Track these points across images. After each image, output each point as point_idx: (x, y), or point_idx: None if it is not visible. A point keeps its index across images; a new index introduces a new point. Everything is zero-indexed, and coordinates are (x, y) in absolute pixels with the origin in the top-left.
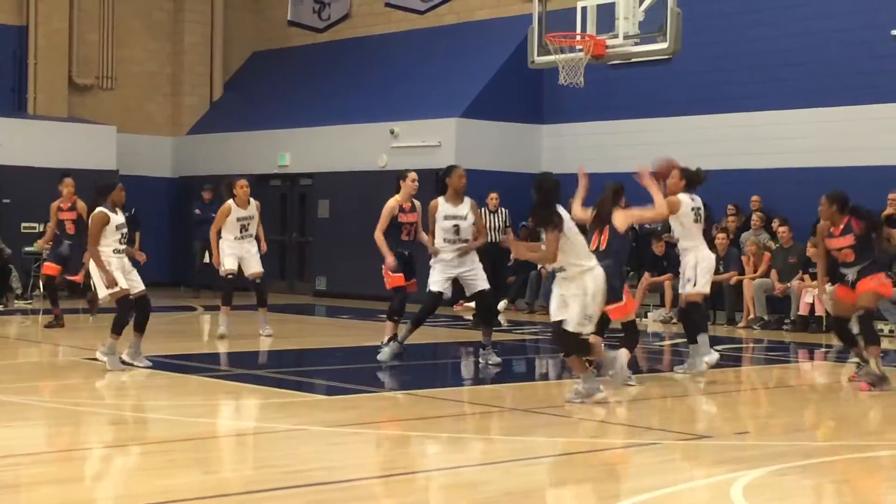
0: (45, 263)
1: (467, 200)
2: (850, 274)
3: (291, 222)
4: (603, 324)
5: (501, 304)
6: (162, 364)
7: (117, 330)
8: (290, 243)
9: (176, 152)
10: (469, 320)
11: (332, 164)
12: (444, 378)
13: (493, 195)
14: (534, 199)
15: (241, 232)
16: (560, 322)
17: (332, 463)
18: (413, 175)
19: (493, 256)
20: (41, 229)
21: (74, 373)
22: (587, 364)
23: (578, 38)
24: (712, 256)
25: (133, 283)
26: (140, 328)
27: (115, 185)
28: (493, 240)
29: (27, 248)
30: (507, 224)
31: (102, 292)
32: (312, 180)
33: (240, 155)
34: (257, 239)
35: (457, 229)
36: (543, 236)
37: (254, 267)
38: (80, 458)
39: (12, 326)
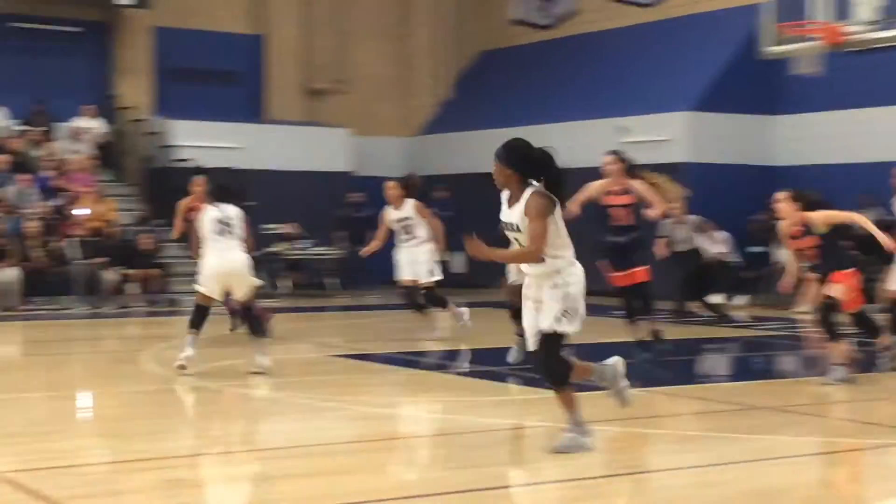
0: None
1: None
2: None
3: None
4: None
5: (720, 298)
6: (400, 361)
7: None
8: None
9: (407, 153)
10: (699, 316)
11: (560, 160)
12: (683, 374)
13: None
14: (498, 166)
15: (403, 234)
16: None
17: (567, 460)
18: (608, 158)
19: (690, 262)
20: (281, 230)
21: (320, 369)
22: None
23: (813, 26)
24: None
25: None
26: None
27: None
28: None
29: (267, 249)
30: (705, 222)
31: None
32: None
33: (470, 154)
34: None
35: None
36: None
37: (421, 276)
38: (327, 452)
39: None
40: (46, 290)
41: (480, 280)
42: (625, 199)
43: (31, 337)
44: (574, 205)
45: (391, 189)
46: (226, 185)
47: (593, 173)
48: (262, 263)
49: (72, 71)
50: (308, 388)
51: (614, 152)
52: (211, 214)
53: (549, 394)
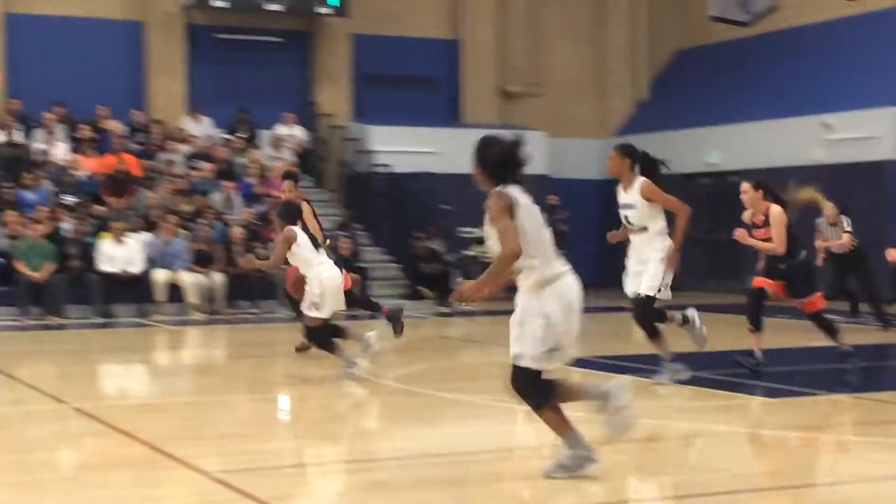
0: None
1: (637, 183)
2: None
3: (722, 220)
4: None
5: None
6: (600, 365)
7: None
8: (721, 242)
9: (603, 154)
10: None
11: (762, 159)
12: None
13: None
14: (473, 165)
15: None
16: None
17: (776, 467)
18: (744, 186)
19: (856, 262)
20: (478, 234)
21: None
22: (566, 420)
23: None
24: None
25: None
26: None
27: None
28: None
29: (464, 252)
30: (848, 229)
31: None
32: (741, 177)
33: (667, 154)
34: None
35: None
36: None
37: None
38: (523, 456)
39: (454, 328)
40: (250, 295)
41: (685, 283)
42: (768, 233)
43: (235, 340)
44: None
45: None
46: (296, 206)
47: (796, 173)
48: (459, 267)
49: (273, 79)
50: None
51: (751, 181)
52: (303, 235)
53: (746, 399)
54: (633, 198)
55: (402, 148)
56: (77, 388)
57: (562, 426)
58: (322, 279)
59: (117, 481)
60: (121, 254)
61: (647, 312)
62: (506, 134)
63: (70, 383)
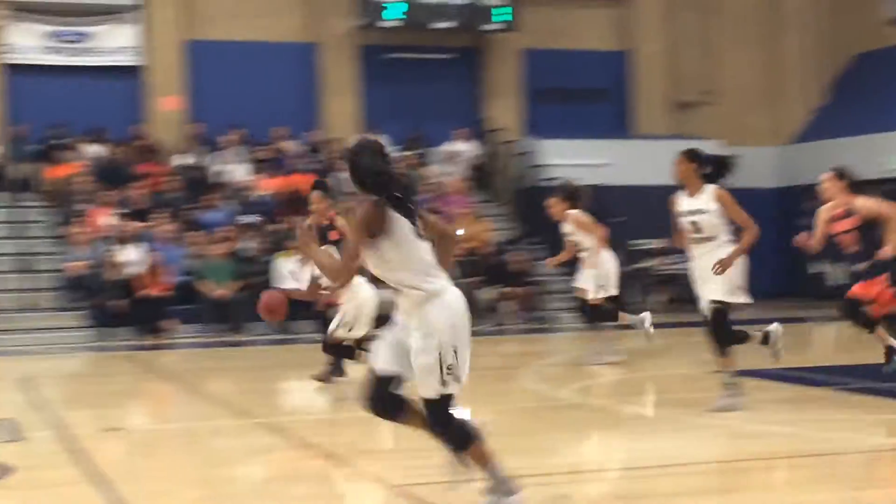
0: None
1: (708, 189)
2: None
3: None
4: None
5: None
6: (782, 377)
7: None
8: None
9: (779, 162)
10: None
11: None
12: None
13: None
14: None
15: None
16: (386, 380)
17: None
18: (825, 175)
19: None
20: (652, 246)
21: (698, 385)
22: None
23: None
24: None
25: None
26: None
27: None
28: None
29: (636, 265)
30: None
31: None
32: None
33: (845, 160)
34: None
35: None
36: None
37: (589, 290)
38: (699, 471)
39: (627, 341)
40: None
41: None
42: (848, 224)
43: None
44: (816, 242)
45: (549, 206)
46: (324, 227)
47: None
48: (632, 279)
49: (445, 96)
50: (686, 405)
51: (834, 169)
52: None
53: None
54: (703, 203)
55: (574, 161)
56: (260, 403)
57: (485, 458)
58: (358, 302)
59: (302, 494)
60: (299, 271)
61: (724, 321)
62: (376, 141)
63: (253, 399)
